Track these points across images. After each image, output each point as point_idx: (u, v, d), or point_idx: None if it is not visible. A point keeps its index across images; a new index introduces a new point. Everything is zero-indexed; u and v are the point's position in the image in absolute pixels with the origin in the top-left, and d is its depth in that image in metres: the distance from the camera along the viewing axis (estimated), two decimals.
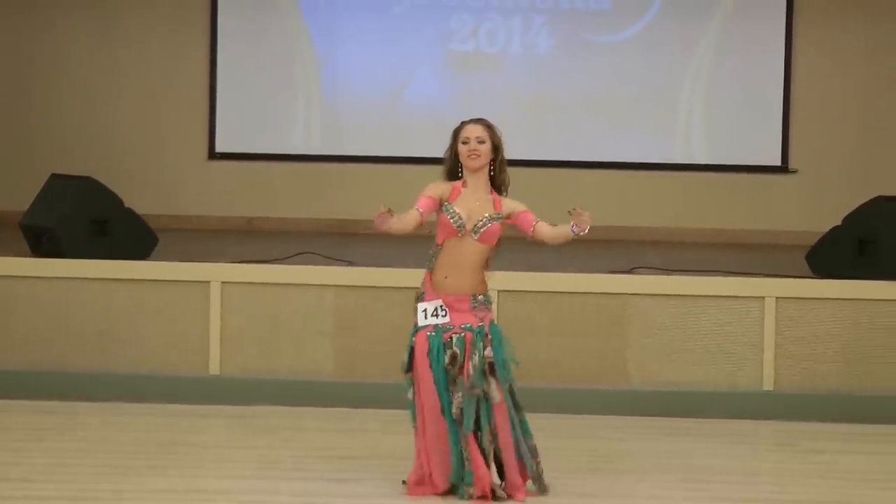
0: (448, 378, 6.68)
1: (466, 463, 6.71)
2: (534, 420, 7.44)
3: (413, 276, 8.74)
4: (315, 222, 12.27)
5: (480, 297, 6.77)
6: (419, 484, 6.82)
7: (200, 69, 12.42)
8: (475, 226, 6.71)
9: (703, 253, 10.94)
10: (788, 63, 12.20)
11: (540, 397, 8.37)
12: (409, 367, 6.77)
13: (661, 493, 7.04)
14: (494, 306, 7.33)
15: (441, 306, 6.72)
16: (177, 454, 7.61)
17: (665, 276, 9.06)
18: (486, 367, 6.69)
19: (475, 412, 6.68)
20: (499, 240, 6.80)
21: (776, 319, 8.75)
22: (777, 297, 8.76)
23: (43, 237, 9.37)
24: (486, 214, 6.72)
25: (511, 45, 12.36)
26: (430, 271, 6.78)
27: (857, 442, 8.20)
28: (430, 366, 6.69)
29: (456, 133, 6.76)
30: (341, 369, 8.90)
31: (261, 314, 8.93)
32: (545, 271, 9.03)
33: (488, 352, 6.71)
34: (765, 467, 7.80)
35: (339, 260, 9.48)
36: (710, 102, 12.29)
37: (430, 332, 6.73)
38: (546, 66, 12.32)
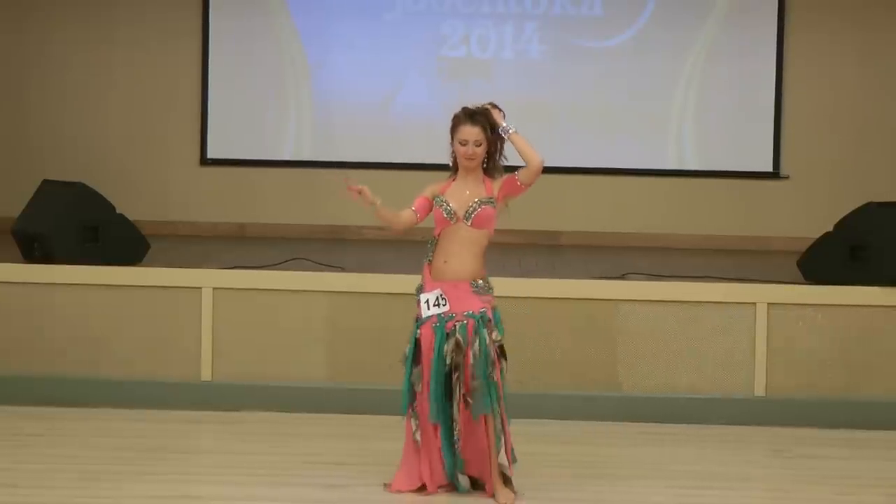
0: (451, 366, 6.67)
1: (457, 445, 6.72)
2: (523, 426, 7.46)
3: (405, 282, 8.78)
4: (306, 228, 12.26)
5: (480, 282, 6.79)
6: (407, 476, 6.83)
7: (192, 75, 12.40)
8: (466, 212, 6.74)
9: (695, 259, 10.93)
10: (780, 69, 12.19)
11: (530, 403, 8.37)
12: (416, 360, 6.77)
13: (652, 500, 7.04)
14: None
15: (441, 296, 6.74)
16: (168, 460, 7.59)
17: (656, 283, 9.05)
18: (496, 350, 6.72)
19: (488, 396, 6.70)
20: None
21: (768, 325, 8.75)
22: (769, 303, 8.76)
23: (35, 243, 9.35)
24: (476, 199, 6.76)
25: (503, 51, 12.35)
26: (429, 262, 6.80)
27: (850, 447, 8.20)
28: (433, 359, 6.70)
29: (453, 129, 6.82)
30: (333, 375, 8.89)
31: (252, 320, 8.92)
32: (536, 277, 9.02)
33: (495, 335, 6.74)
34: (756, 473, 7.80)
35: (331, 266, 9.48)
36: (701, 108, 12.28)
37: (435, 322, 6.74)
38: (538, 72, 12.31)
